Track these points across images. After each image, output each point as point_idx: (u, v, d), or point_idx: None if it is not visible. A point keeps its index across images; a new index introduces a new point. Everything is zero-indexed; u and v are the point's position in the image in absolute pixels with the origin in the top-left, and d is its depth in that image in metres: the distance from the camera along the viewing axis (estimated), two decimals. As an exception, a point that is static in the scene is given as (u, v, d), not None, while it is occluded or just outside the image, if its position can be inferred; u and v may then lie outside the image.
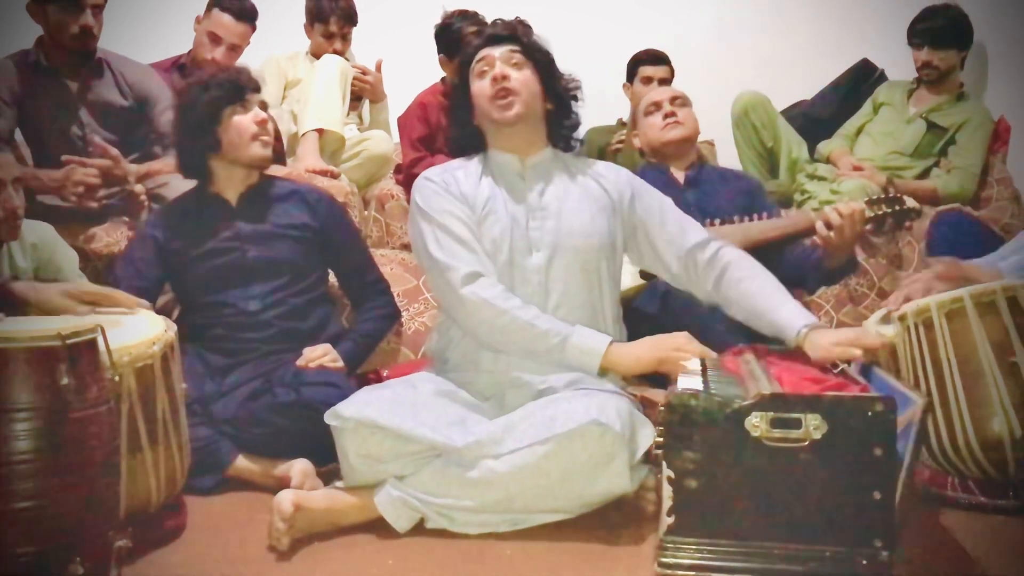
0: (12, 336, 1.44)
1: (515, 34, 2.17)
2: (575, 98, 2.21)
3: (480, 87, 2.13)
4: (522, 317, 1.96)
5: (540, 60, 2.16)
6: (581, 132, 2.31)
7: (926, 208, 3.23)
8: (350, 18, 3.87)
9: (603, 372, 1.96)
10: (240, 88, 2.41)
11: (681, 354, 1.90)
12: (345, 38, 3.88)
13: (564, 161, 2.21)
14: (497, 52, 2.13)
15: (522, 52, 2.14)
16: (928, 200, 3.36)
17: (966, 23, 3.60)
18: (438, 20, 3.55)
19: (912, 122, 3.65)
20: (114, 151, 2.84)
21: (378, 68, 3.82)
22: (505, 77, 2.09)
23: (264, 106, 2.48)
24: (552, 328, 1.95)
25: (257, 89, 2.47)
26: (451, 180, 2.12)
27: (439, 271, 2.03)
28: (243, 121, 2.40)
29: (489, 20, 2.37)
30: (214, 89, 2.40)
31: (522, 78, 2.11)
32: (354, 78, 3.73)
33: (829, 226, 2.34)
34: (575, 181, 2.15)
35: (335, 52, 3.81)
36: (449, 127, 2.31)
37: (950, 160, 3.59)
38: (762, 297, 2.01)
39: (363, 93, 3.85)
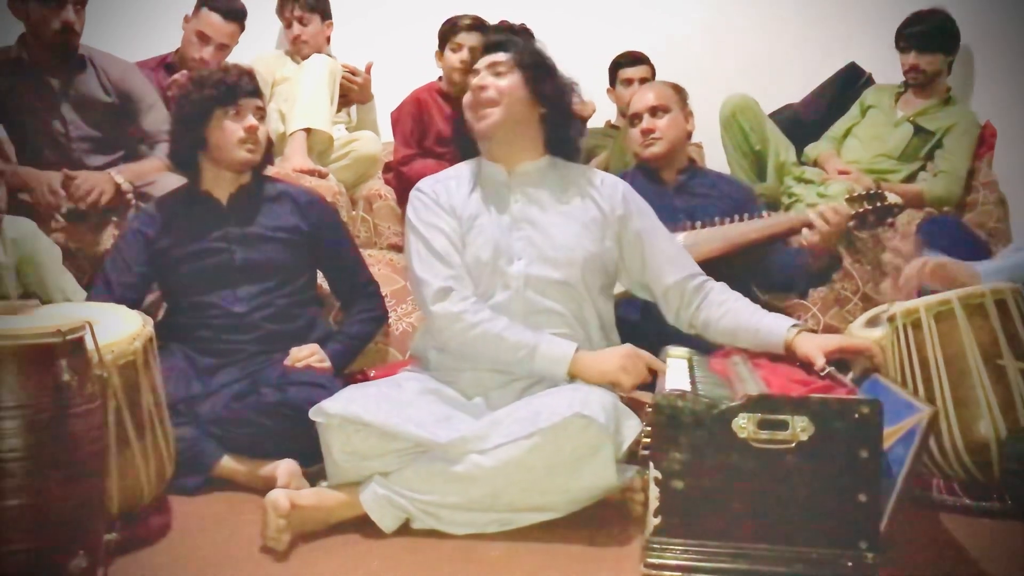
0: (12, 333, 1.41)
1: (505, 40, 2.17)
2: (571, 102, 2.19)
3: (466, 97, 2.16)
4: (491, 330, 1.97)
5: (529, 65, 2.14)
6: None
7: (913, 212, 3.25)
8: (306, 4, 3.82)
9: (571, 379, 1.96)
10: (233, 91, 2.38)
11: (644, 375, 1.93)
12: (302, 22, 3.82)
13: (560, 170, 2.19)
14: (484, 62, 2.15)
15: (511, 59, 2.13)
16: (914, 203, 3.37)
17: (953, 28, 3.61)
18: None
19: (899, 125, 3.66)
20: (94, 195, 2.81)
21: (367, 70, 3.78)
22: (483, 88, 2.11)
23: (261, 113, 2.44)
24: (521, 339, 1.96)
25: (254, 94, 2.43)
26: (442, 191, 2.15)
27: (416, 285, 2.08)
28: (231, 124, 2.38)
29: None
30: (208, 87, 2.39)
31: (503, 86, 2.11)
32: (343, 77, 3.71)
33: (813, 227, 2.44)
34: (566, 193, 2.15)
35: (295, 39, 3.81)
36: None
37: (936, 164, 3.60)
38: (747, 312, 2.07)
39: (350, 93, 3.82)
